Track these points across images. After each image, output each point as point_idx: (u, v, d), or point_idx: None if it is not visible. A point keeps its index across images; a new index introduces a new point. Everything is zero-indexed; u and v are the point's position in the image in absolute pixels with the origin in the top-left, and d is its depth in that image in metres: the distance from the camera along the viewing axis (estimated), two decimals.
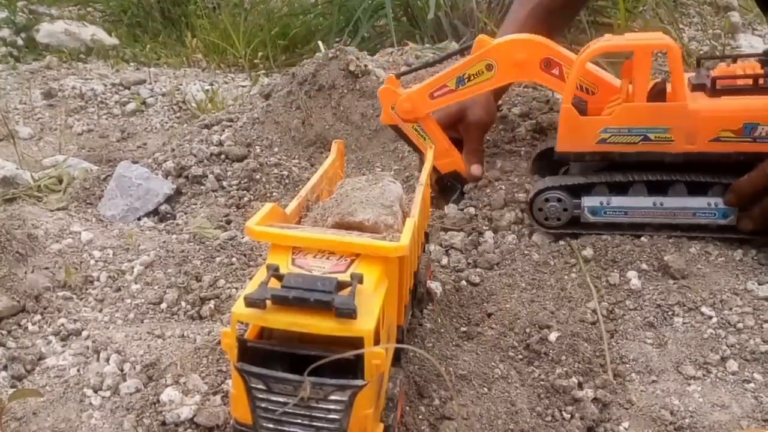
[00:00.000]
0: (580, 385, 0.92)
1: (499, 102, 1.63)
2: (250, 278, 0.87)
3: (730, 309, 1.00)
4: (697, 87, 1.13)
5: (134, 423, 0.85)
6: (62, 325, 1.05)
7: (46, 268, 1.16)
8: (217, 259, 1.20)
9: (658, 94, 1.09)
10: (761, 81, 1.08)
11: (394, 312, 0.79)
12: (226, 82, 2.42)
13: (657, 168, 1.12)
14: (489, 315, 1.05)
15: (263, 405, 0.66)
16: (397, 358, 0.84)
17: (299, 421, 0.66)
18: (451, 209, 1.29)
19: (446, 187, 1.37)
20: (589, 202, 1.15)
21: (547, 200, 1.16)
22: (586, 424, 0.87)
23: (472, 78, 1.22)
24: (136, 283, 1.16)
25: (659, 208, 1.12)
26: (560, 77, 1.18)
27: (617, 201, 1.14)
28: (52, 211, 1.40)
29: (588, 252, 1.13)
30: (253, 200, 1.46)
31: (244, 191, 1.48)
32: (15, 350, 1.00)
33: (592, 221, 1.15)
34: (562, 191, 1.15)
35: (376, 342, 0.64)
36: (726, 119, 1.07)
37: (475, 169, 1.35)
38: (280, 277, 0.66)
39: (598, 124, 1.11)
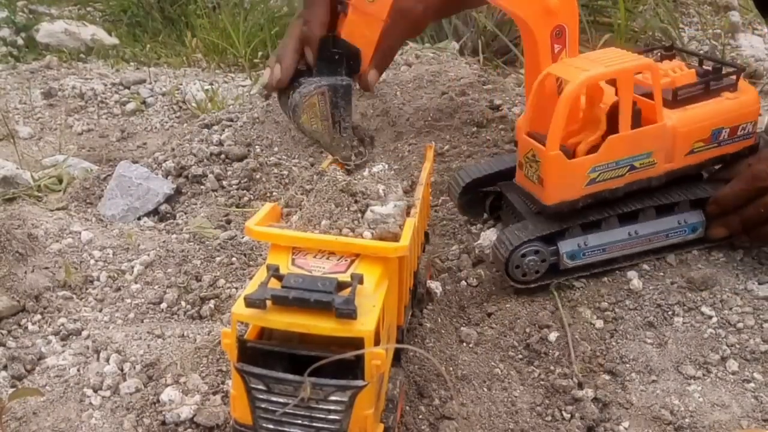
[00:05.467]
0: (580, 385, 0.92)
1: (499, 102, 1.63)
2: (250, 278, 0.87)
3: (730, 309, 1.00)
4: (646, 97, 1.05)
5: (134, 423, 0.85)
6: (62, 324, 1.05)
7: (46, 268, 1.16)
8: (217, 259, 1.20)
9: (611, 118, 1.00)
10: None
11: (394, 312, 0.79)
12: (226, 82, 2.42)
13: (638, 196, 1.06)
14: (489, 315, 1.05)
15: (263, 405, 0.66)
16: (397, 358, 0.84)
17: (299, 421, 0.66)
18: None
19: (327, 57, 0.91)
20: (566, 247, 1.05)
21: (524, 255, 1.03)
22: (586, 423, 0.87)
23: None
24: (136, 282, 1.16)
25: (635, 237, 1.06)
26: (555, 58, 1.03)
27: (594, 239, 1.05)
28: (52, 211, 1.40)
29: None
30: (253, 200, 1.46)
31: (244, 191, 1.48)
32: (15, 350, 1.00)
33: (571, 266, 1.06)
34: (538, 242, 1.03)
35: (377, 342, 0.64)
36: (697, 130, 1.05)
37: (373, 76, 0.99)
38: (280, 278, 0.66)
39: (586, 164, 1.00)
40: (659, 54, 1.15)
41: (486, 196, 1.21)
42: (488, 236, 1.18)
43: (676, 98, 1.06)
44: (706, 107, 1.06)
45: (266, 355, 0.67)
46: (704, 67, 1.11)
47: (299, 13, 0.95)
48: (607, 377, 0.94)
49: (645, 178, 1.04)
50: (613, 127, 1.00)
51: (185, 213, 1.44)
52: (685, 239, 1.09)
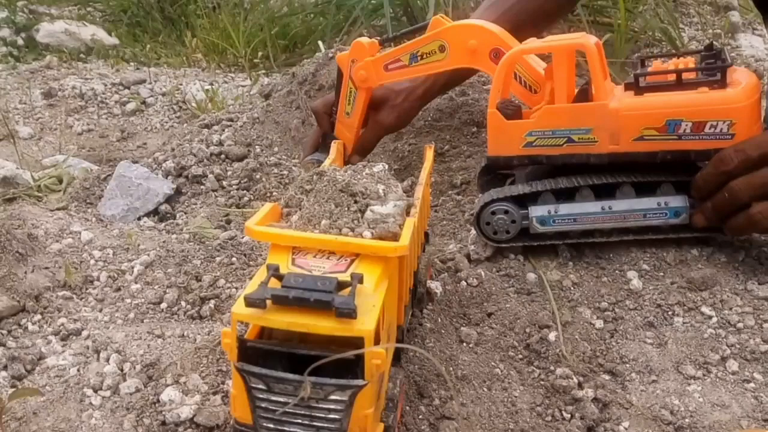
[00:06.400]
0: (580, 385, 0.92)
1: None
2: (250, 278, 0.87)
3: (730, 309, 1.00)
4: (628, 86, 1.09)
5: (134, 423, 0.85)
6: (62, 324, 1.05)
7: (46, 268, 1.16)
8: (217, 259, 1.20)
9: (583, 94, 1.07)
10: (685, 75, 1.05)
11: (394, 312, 0.79)
12: (226, 82, 2.42)
13: (590, 170, 1.08)
14: (489, 315, 1.05)
15: (263, 405, 0.66)
16: (397, 358, 0.84)
17: (299, 421, 0.66)
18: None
19: (327, 144, 1.33)
20: (536, 212, 1.10)
21: (493, 213, 1.10)
22: (586, 424, 0.87)
23: (425, 56, 1.20)
24: (136, 282, 1.16)
25: (608, 212, 1.08)
26: (509, 69, 1.14)
27: (565, 209, 1.09)
28: (52, 211, 1.40)
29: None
30: (253, 200, 1.46)
31: (244, 191, 1.48)
32: (15, 350, 1.00)
33: (541, 231, 1.10)
34: (508, 202, 1.10)
35: (377, 342, 0.64)
36: (647, 117, 1.03)
37: (355, 159, 1.36)
38: (280, 277, 0.66)
39: (523, 127, 1.08)
40: (699, 55, 1.14)
41: (506, 178, 1.22)
42: None
43: (637, 84, 1.07)
44: (666, 97, 1.04)
45: (266, 355, 0.67)
46: (705, 63, 1.10)
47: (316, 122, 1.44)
48: (607, 377, 0.94)
49: (584, 153, 1.07)
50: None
51: (185, 213, 1.44)
52: (666, 222, 1.08)
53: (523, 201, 1.11)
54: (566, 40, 1.08)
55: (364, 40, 1.27)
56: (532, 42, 1.12)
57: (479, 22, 1.18)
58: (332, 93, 1.37)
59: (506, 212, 1.10)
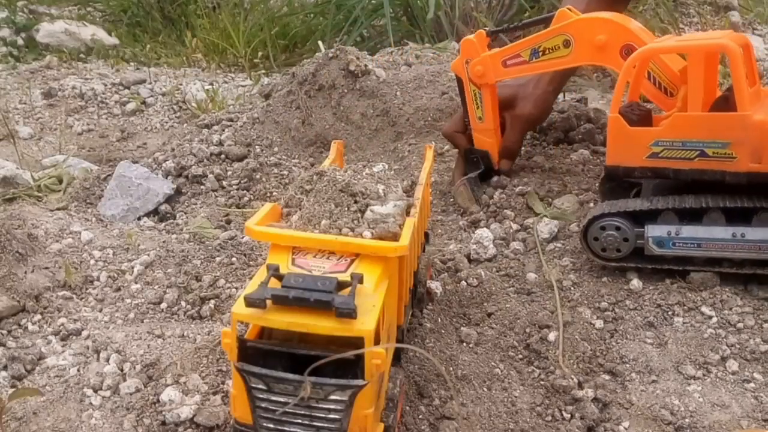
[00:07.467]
0: (580, 385, 0.92)
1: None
2: (250, 278, 0.87)
3: (730, 309, 1.00)
4: None
5: (134, 423, 0.85)
6: (62, 325, 1.05)
7: (46, 268, 1.16)
8: (217, 259, 1.20)
9: (724, 102, 0.96)
10: None
11: (394, 311, 0.79)
12: (226, 82, 2.42)
13: (724, 190, 0.96)
14: (489, 315, 1.05)
15: (263, 405, 0.66)
16: (397, 357, 0.84)
17: (299, 420, 0.66)
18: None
19: (471, 160, 1.34)
20: (654, 231, 0.99)
21: (603, 228, 1.02)
22: (586, 423, 0.87)
23: (547, 52, 1.13)
24: (136, 282, 1.16)
25: (740, 240, 0.96)
26: (640, 68, 1.06)
27: (688, 231, 0.98)
28: (52, 211, 1.40)
29: None
30: (253, 200, 1.46)
31: (244, 191, 1.48)
32: (15, 350, 1.00)
33: (658, 254, 1.00)
34: (621, 218, 1.01)
35: (377, 342, 0.64)
36: None
37: (505, 164, 1.34)
38: (280, 277, 0.66)
39: (649, 135, 0.98)
40: None
41: (632, 187, 1.12)
42: (481, 235, 1.18)
43: None
44: None
45: (266, 355, 0.67)
46: None
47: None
48: (607, 377, 0.94)
49: (718, 170, 0.95)
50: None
51: (185, 213, 1.44)
52: None
53: (640, 218, 1.00)
54: (704, 40, 0.97)
55: (470, 36, 1.22)
56: (667, 40, 1.01)
57: (609, 15, 1.08)
58: (458, 113, 1.35)
59: (618, 229, 1.00)
